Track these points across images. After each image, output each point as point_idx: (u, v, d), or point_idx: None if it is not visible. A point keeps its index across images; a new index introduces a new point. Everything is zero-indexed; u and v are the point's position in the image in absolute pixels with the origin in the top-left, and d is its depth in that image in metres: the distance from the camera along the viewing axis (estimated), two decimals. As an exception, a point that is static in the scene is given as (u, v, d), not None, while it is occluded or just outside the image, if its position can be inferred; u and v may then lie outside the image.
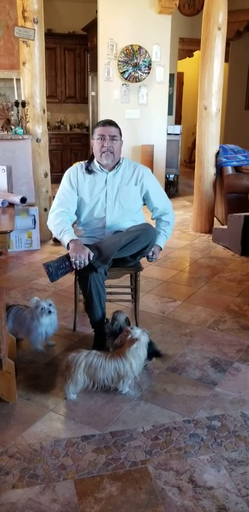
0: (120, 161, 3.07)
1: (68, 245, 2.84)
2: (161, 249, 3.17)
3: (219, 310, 3.68)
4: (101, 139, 2.94)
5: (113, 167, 3.04)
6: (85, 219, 3.07)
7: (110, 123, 2.99)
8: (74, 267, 2.76)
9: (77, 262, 2.72)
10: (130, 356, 2.41)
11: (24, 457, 2.07)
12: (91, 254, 2.75)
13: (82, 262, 2.72)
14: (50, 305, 2.87)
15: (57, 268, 2.81)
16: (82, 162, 3.12)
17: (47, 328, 2.90)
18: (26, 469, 2.01)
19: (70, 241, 2.83)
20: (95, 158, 3.05)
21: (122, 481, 1.96)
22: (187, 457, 2.10)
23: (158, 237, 3.12)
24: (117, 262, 2.97)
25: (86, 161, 3.12)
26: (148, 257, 3.08)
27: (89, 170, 3.05)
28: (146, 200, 3.17)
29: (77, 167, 3.08)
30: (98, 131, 2.97)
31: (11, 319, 2.88)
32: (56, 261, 2.84)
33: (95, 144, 2.99)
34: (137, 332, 2.47)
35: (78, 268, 2.76)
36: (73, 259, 2.74)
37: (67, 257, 2.82)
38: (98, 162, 3.03)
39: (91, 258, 2.75)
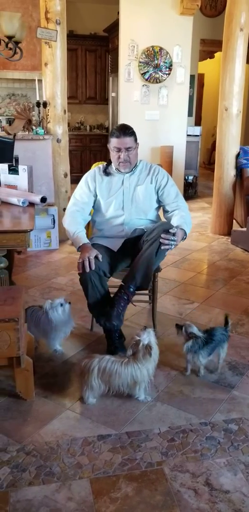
0: (137, 163, 3.10)
1: (78, 248, 2.88)
2: (185, 235, 2.92)
3: (237, 313, 3.65)
4: (117, 151, 2.98)
5: (130, 169, 3.07)
6: (104, 217, 3.09)
7: (124, 132, 2.95)
8: (82, 271, 2.76)
9: (86, 263, 2.73)
10: (146, 363, 2.40)
11: (40, 455, 2.09)
12: (100, 256, 2.78)
13: (87, 260, 2.73)
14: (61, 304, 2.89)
15: (118, 315, 2.80)
16: (101, 165, 3.16)
17: (66, 327, 2.91)
18: (42, 466, 2.03)
19: (82, 245, 2.86)
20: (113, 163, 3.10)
21: (138, 482, 1.96)
22: (203, 460, 2.09)
23: (182, 224, 2.93)
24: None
25: (105, 163, 3.16)
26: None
27: (107, 173, 3.09)
28: (160, 197, 3.10)
29: (95, 170, 3.13)
30: (113, 143, 2.97)
31: (28, 321, 2.86)
32: (113, 310, 2.81)
33: (112, 153, 3.03)
34: (145, 337, 2.43)
35: (87, 270, 2.74)
36: (80, 260, 2.76)
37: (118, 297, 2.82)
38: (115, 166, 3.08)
39: (100, 259, 2.77)
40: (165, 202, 3.11)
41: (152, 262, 2.81)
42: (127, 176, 3.07)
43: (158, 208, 3.17)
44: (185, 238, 2.94)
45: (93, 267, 2.74)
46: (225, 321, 2.78)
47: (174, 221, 2.97)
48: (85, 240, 2.92)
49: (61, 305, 2.86)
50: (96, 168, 3.16)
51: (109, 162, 3.13)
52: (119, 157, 2.97)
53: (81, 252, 2.82)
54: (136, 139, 3.02)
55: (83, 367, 2.41)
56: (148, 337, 2.44)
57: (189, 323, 2.70)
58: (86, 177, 3.12)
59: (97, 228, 3.16)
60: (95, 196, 3.09)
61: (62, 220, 3.09)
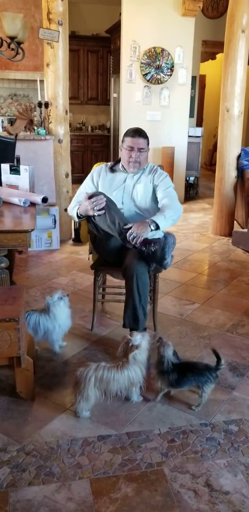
0: (145, 167, 3.15)
1: (77, 214, 3.02)
2: (154, 227, 2.79)
3: (237, 313, 3.65)
4: (130, 150, 3.04)
5: (138, 171, 3.13)
6: None
7: (140, 134, 3.06)
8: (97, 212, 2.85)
9: (95, 205, 2.83)
10: (134, 362, 2.37)
11: (40, 455, 2.09)
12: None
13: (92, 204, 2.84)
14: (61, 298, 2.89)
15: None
16: (109, 163, 3.25)
17: (67, 320, 2.89)
18: (42, 466, 2.03)
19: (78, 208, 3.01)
20: (121, 162, 3.14)
21: (138, 482, 1.95)
22: (204, 461, 2.09)
23: (156, 215, 2.87)
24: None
25: (113, 162, 3.24)
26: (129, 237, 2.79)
27: (112, 169, 3.16)
28: (155, 193, 3.09)
29: (103, 166, 3.23)
30: (128, 142, 3.05)
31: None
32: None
33: (123, 152, 3.09)
34: (137, 338, 2.41)
35: (98, 207, 2.84)
36: (91, 210, 2.86)
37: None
38: (123, 165, 3.13)
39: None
40: (157, 196, 3.07)
41: (135, 303, 2.85)
42: (130, 175, 3.12)
43: (156, 207, 3.11)
44: (156, 228, 2.81)
45: (103, 204, 2.83)
46: (217, 362, 2.46)
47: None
48: None
49: (61, 298, 2.87)
50: (104, 164, 3.25)
51: (117, 161, 3.20)
52: (131, 156, 3.04)
53: (83, 210, 2.92)
54: (148, 143, 3.11)
55: (79, 376, 2.30)
56: (140, 340, 2.41)
57: (168, 343, 2.44)
58: (93, 172, 3.22)
59: None
60: (97, 189, 3.15)
61: (68, 208, 3.21)
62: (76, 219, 3.11)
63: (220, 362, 2.44)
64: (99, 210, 2.84)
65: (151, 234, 2.82)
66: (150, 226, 2.78)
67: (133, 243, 2.76)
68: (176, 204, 2.98)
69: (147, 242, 2.77)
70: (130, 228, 2.79)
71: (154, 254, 2.75)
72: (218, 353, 2.47)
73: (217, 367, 2.44)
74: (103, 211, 2.84)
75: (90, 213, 2.87)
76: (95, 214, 2.86)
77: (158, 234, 2.89)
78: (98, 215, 2.86)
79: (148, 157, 3.15)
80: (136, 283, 2.79)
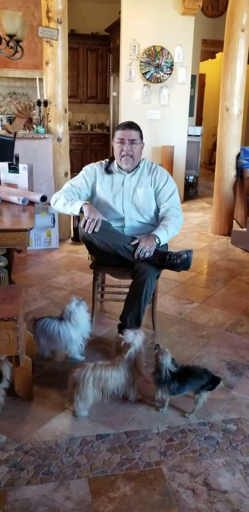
0: (140, 164, 3.06)
1: (81, 208, 2.85)
2: (158, 242, 2.84)
3: (236, 313, 3.65)
4: (120, 143, 2.95)
5: (132, 169, 3.04)
6: (105, 218, 3.07)
7: (130, 126, 2.97)
8: (85, 226, 2.78)
9: (92, 225, 2.76)
10: (129, 361, 2.35)
11: (39, 454, 2.09)
12: (103, 218, 2.83)
13: (94, 222, 2.76)
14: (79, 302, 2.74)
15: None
16: (103, 162, 3.13)
17: (87, 326, 2.76)
18: (40, 465, 2.02)
19: (84, 204, 2.86)
20: (115, 161, 3.06)
21: (136, 481, 1.95)
22: (202, 460, 2.09)
23: (157, 229, 2.91)
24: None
25: (107, 160, 3.13)
26: (138, 255, 2.80)
27: (108, 170, 3.06)
28: (157, 199, 3.05)
29: (96, 168, 3.10)
30: (118, 134, 2.97)
31: (39, 334, 2.72)
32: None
33: (115, 147, 3.00)
34: (129, 336, 2.38)
35: (90, 232, 2.77)
36: (86, 217, 2.78)
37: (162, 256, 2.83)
38: (117, 164, 3.04)
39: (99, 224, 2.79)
40: (158, 203, 3.05)
41: (140, 307, 2.84)
42: (127, 176, 3.04)
43: (157, 210, 3.09)
44: (159, 243, 2.86)
45: (97, 229, 2.77)
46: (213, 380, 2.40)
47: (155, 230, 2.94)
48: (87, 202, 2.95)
49: (78, 304, 2.70)
50: (98, 164, 3.12)
51: (111, 160, 3.10)
52: (122, 150, 2.94)
53: (88, 210, 2.81)
54: (141, 136, 3.01)
55: (76, 377, 2.28)
56: (133, 338, 2.39)
57: (166, 351, 2.34)
58: (85, 173, 3.10)
59: None
60: (92, 192, 3.09)
61: (51, 200, 3.04)
62: (60, 211, 3.00)
63: (217, 384, 2.39)
64: (85, 226, 2.78)
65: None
66: (155, 240, 2.82)
67: (145, 258, 2.79)
68: (179, 217, 3.01)
69: (161, 255, 2.82)
70: (137, 244, 2.82)
71: (175, 266, 2.83)
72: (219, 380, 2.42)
73: (215, 383, 2.39)
74: (85, 229, 2.79)
75: (86, 216, 2.79)
76: (80, 225, 2.81)
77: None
78: (81, 226, 2.81)
79: (141, 152, 3.04)
80: (146, 288, 2.78)
